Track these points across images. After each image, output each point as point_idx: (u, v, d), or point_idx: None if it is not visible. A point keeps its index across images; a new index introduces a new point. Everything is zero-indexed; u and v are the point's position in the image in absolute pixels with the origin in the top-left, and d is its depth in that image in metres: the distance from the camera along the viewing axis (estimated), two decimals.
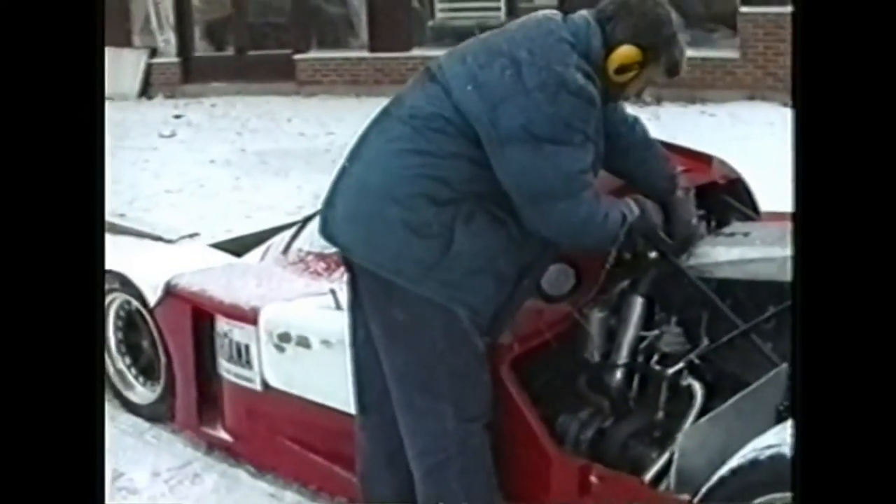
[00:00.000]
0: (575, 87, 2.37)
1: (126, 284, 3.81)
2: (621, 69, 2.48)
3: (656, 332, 2.78)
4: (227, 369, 3.42)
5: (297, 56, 13.80)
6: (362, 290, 2.60)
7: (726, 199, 3.24)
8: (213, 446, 3.59)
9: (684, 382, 2.74)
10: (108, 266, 3.53)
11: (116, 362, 4.01)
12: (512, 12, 12.41)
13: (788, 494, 2.05)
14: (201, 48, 15.09)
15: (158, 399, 3.82)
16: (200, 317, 3.52)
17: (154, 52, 15.11)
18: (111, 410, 3.86)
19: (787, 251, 2.65)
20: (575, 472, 2.51)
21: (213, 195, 7.77)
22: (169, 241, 6.34)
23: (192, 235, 6.45)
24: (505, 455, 2.61)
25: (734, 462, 2.17)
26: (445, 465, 2.55)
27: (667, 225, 2.81)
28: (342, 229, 2.58)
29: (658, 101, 11.23)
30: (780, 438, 2.11)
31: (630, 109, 2.86)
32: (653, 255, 2.83)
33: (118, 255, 3.85)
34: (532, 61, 2.40)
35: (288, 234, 3.86)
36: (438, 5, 13.13)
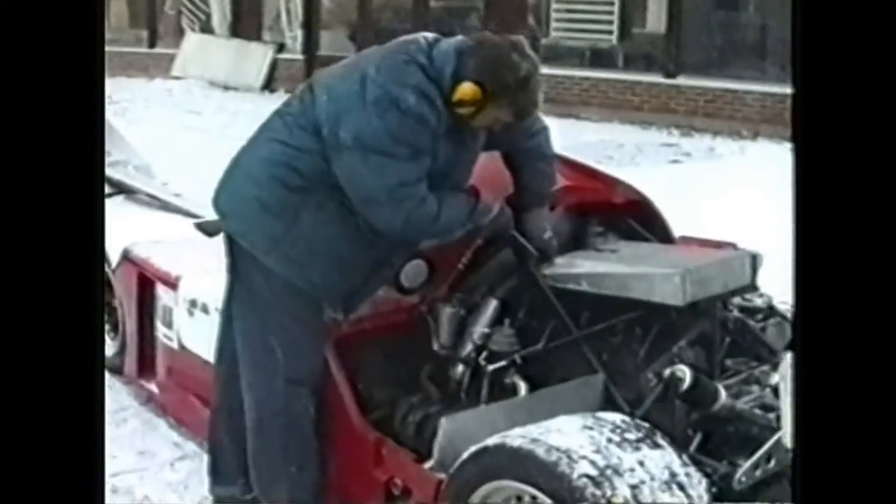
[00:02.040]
0: (405, 107, 2.72)
1: None
2: (459, 103, 2.76)
3: (487, 330, 3.13)
4: (159, 329, 3.96)
5: None
6: (235, 255, 3.05)
7: (627, 219, 3.56)
8: (149, 399, 4.12)
9: (508, 380, 3.11)
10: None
11: None
12: (624, 36, 12.71)
13: (513, 483, 2.41)
14: (334, 48, 15.87)
15: (116, 353, 4.39)
16: (146, 282, 4.07)
17: (281, 48, 16.02)
18: None
19: (642, 269, 3.01)
20: (371, 444, 2.91)
21: None
22: None
23: None
24: (325, 422, 3.02)
25: (472, 448, 2.53)
26: (270, 420, 2.98)
27: (521, 233, 3.17)
28: (222, 201, 3.06)
29: (755, 136, 11.35)
30: (521, 433, 2.44)
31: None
32: (512, 262, 3.21)
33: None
34: (374, 79, 2.77)
35: None
36: (554, 24, 13.52)
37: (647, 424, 2.51)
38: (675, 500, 2.32)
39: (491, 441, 2.47)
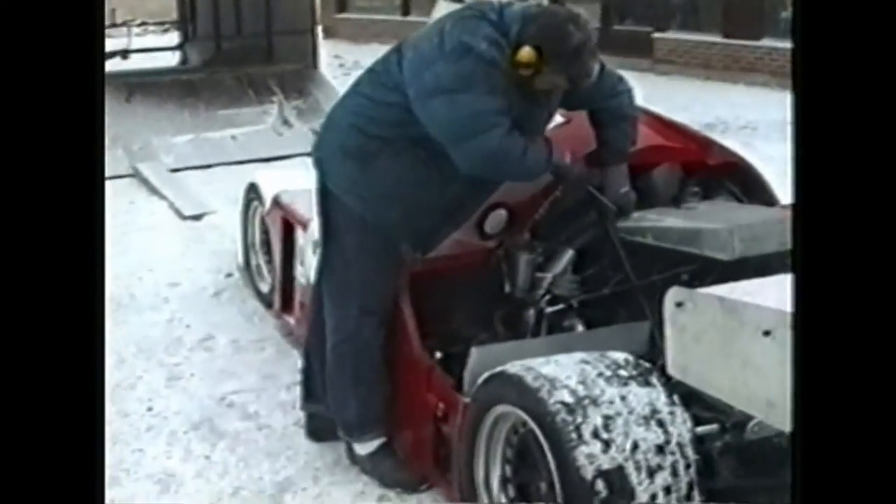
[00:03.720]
0: (478, 52, 3.01)
1: (258, 195, 4.95)
2: (517, 64, 3.02)
3: (549, 275, 3.38)
4: (296, 268, 4.44)
5: (656, 35, 14.43)
6: (323, 195, 3.44)
7: (720, 179, 3.70)
8: (289, 332, 4.62)
9: (567, 322, 3.36)
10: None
11: (257, 257, 5.18)
12: None
13: (511, 408, 2.66)
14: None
15: (270, 290, 4.92)
16: (289, 226, 4.55)
17: None
18: (247, 297, 5.05)
19: (699, 224, 3.19)
20: (424, 371, 3.23)
21: None
22: None
23: None
24: (390, 349, 3.37)
25: (485, 374, 2.81)
26: (344, 343, 3.35)
27: (599, 187, 3.40)
28: (317, 148, 3.47)
29: None
30: (523, 363, 2.69)
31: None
32: (590, 214, 3.45)
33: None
34: (451, 32, 3.09)
35: None
36: None
37: (648, 365, 2.67)
38: (649, 435, 2.49)
39: (498, 368, 2.74)
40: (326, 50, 13.46)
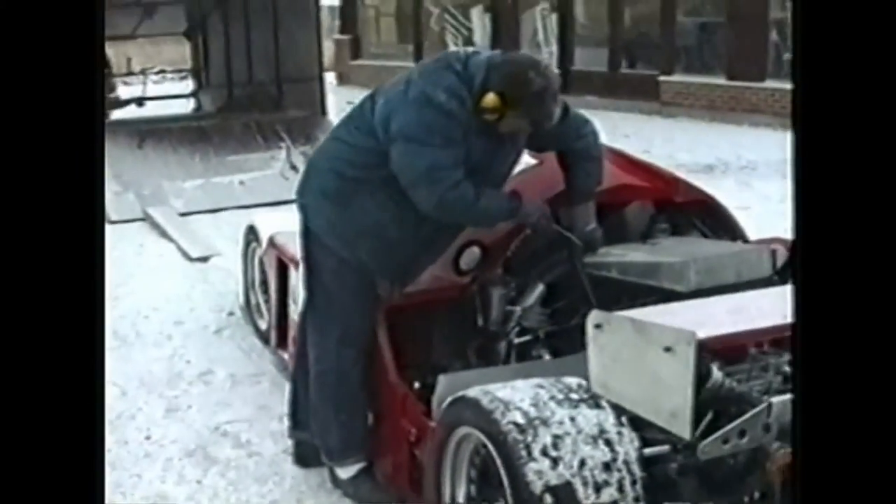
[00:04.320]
0: (436, 103, 3.26)
1: (256, 237, 5.22)
2: (482, 109, 3.26)
3: (519, 308, 3.60)
4: (290, 305, 4.68)
5: (662, 77, 14.72)
6: (306, 236, 3.68)
7: (688, 216, 3.93)
8: (285, 367, 4.85)
9: (535, 352, 3.58)
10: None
11: (256, 296, 5.43)
12: None
13: (471, 429, 2.87)
14: (588, 63, 16.41)
15: (268, 327, 5.17)
16: (283, 266, 4.80)
17: None
18: (247, 334, 5.31)
19: (658, 258, 3.42)
20: (399, 398, 3.46)
21: None
22: None
23: None
24: (371, 377, 3.60)
25: (449, 398, 3.02)
26: (326, 373, 3.58)
27: (568, 226, 3.63)
28: (299, 191, 3.71)
29: None
30: (481, 388, 2.91)
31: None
32: (559, 251, 3.68)
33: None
34: (416, 82, 3.35)
35: None
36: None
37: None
38: (596, 453, 2.69)
39: (459, 392, 2.96)
40: (341, 95, 13.78)
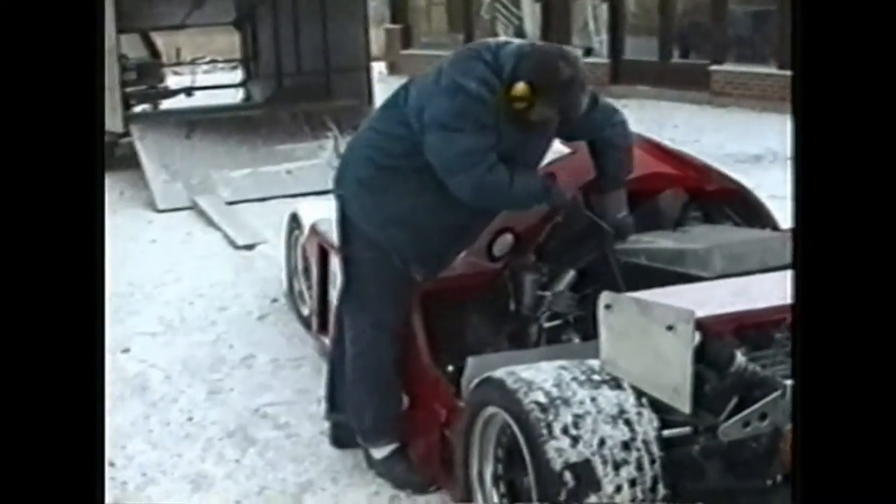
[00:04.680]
0: (467, 90, 3.35)
1: (298, 224, 5.36)
2: (512, 98, 3.34)
3: (550, 294, 3.70)
4: (331, 291, 4.81)
5: (713, 67, 14.68)
6: (343, 223, 3.81)
7: (720, 205, 4.00)
8: (325, 351, 4.98)
9: (565, 336, 3.68)
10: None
11: (299, 282, 5.58)
12: None
13: (496, 409, 2.98)
14: (639, 52, 16.40)
15: (310, 313, 5.31)
16: (325, 252, 4.94)
17: (588, 52, 16.69)
18: (289, 320, 5.45)
19: (684, 246, 3.50)
20: (431, 381, 3.57)
21: None
22: None
23: None
24: (405, 361, 3.72)
25: (476, 380, 3.13)
26: (361, 356, 3.70)
27: (599, 213, 3.72)
28: (337, 179, 3.84)
29: None
30: (507, 369, 3.01)
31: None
32: (591, 237, 3.77)
33: None
34: (447, 71, 3.46)
35: None
36: None
37: None
38: (616, 432, 2.79)
39: (486, 374, 3.07)
40: (391, 85, 13.90)
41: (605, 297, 2.74)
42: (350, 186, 3.68)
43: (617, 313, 2.65)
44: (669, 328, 2.37)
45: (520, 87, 3.33)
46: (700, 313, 2.43)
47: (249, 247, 7.22)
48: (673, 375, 2.39)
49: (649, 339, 2.50)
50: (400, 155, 3.54)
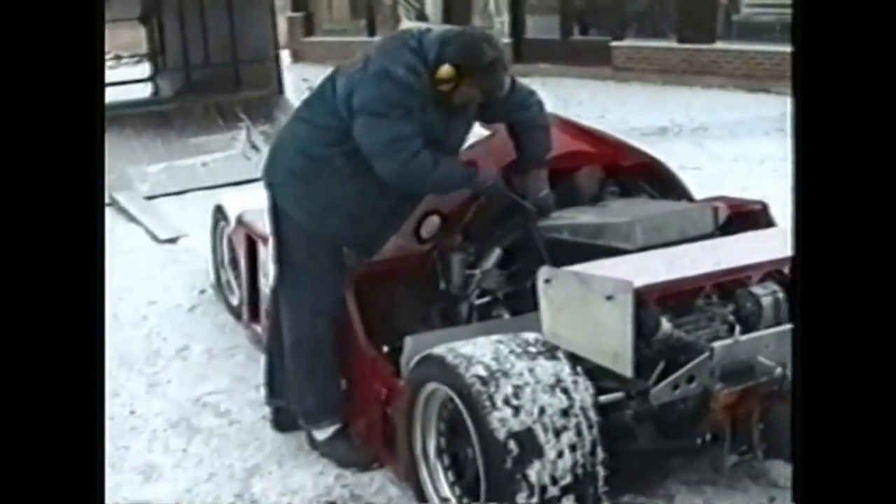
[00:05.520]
0: (395, 77, 3.45)
1: (223, 215, 5.39)
2: (438, 81, 3.46)
3: (479, 272, 3.81)
4: (261, 280, 4.87)
5: (614, 43, 14.94)
6: (275, 212, 3.87)
7: (636, 179, 4.14)
8: (258, 339, 5.04)
9: (495, 313, 3.79)
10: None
11: (227, 273, 5.61)
12: None
13: (438, 385, 3.09)
14: (540, 31, 16.59)
15: (239, 302, 5.35)
16: (252, 242, 4.98)
17: None
18: (219, 310, 5.49)
19: (606, 219, 3.63)
20: (370, 361, 3.66)
21: None
22: None
23: None
24: (342, 343, 3.80)
25: (416, 357, 3.24)
26: (301, 341, 3.77)
27: (521, 192, 3.83)
28: (266, 170, 3.89)
29: None
30: (446, 346, 3.12)
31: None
32: (514, 216, 3.88)
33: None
34: (374, 58, 3.55)
35: None
36: (745, 1, 13.68)
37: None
38: (554, 400, 2.91)
39: (426, 351, 3.17)
40: (295, 73, 13.88)
41: (544, 272, 2.87)
42: (281, 177, 3.75)
43: (557, 287, 2.77)
44: (609, 298, 2.50)
45: (445, 70, 3.44)
46: (638, 283, 2.57)
47: (172, 240, 7.21)
48: (614, 342, 2.53)
49: (589, 309, 2.63)
50: (330, 144, 3.62)
